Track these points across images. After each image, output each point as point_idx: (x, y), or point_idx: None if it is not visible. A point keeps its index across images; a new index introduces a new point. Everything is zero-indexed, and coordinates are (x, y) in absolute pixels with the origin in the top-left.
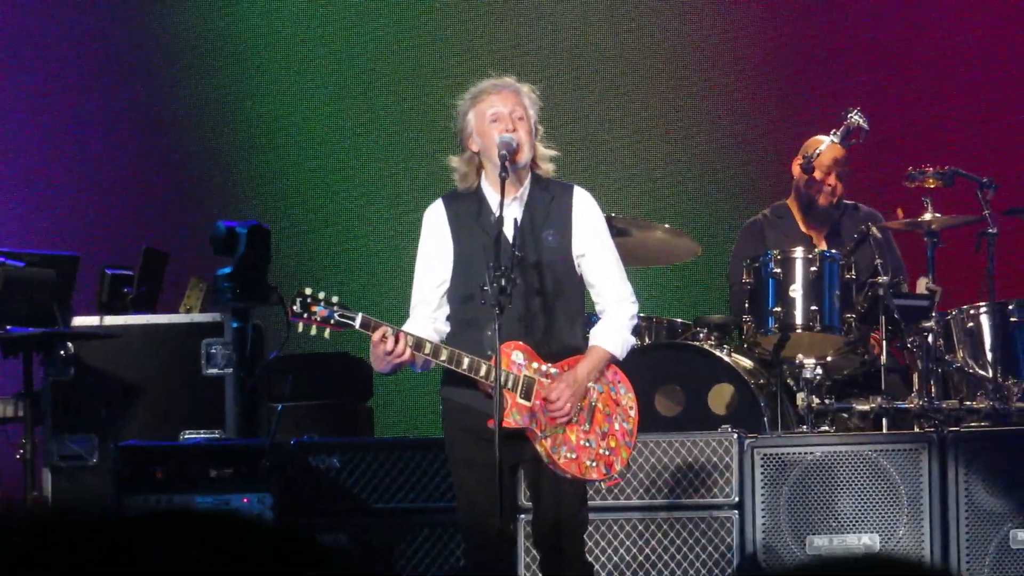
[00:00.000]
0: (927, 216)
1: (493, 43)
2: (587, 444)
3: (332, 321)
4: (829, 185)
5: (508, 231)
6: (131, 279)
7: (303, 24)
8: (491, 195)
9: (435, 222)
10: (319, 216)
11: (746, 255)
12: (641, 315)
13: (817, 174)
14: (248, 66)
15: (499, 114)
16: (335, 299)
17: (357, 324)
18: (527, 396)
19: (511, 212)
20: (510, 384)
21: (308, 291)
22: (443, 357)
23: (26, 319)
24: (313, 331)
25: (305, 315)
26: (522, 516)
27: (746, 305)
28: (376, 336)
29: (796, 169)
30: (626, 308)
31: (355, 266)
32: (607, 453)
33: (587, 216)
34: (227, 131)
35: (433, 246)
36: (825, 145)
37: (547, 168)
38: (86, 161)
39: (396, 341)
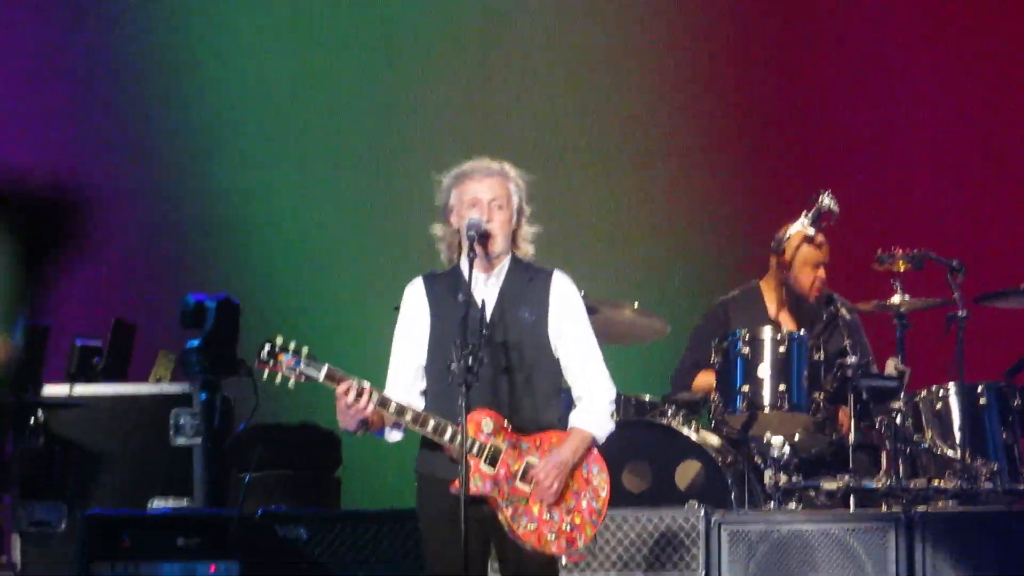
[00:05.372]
0: (896, 299)
1: (468, 124)
2: (549, 517)
3: (297, 371)
4: (820, 279)
5: (484, 310)
6: (100, 350)
7: (274, 86)
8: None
9: (415, 299)
10: (291, 288)
11: (704, 335)
12: None
13: (804, 269)
14: (223, 144)
15: (477, 200)
16: (305, 349)
17: (321, 376)
18: (492, 463)
19: (486, 292)
20: (475, 450)
21: (279, 340)
22: (408, 417)
23: None
24: (278, 379)
25: (271, 363)
26: None
27: (714, 385)
28: (340, 389)
29: (774, 258)
30: (605, 393)
31: (326, 340)
32: (569, 529)
33: (564, 299)
34: (197, 203)
35: (410, 323)
36: (795, 228)
37: (526, 249)
38: None
39: (359, 395)
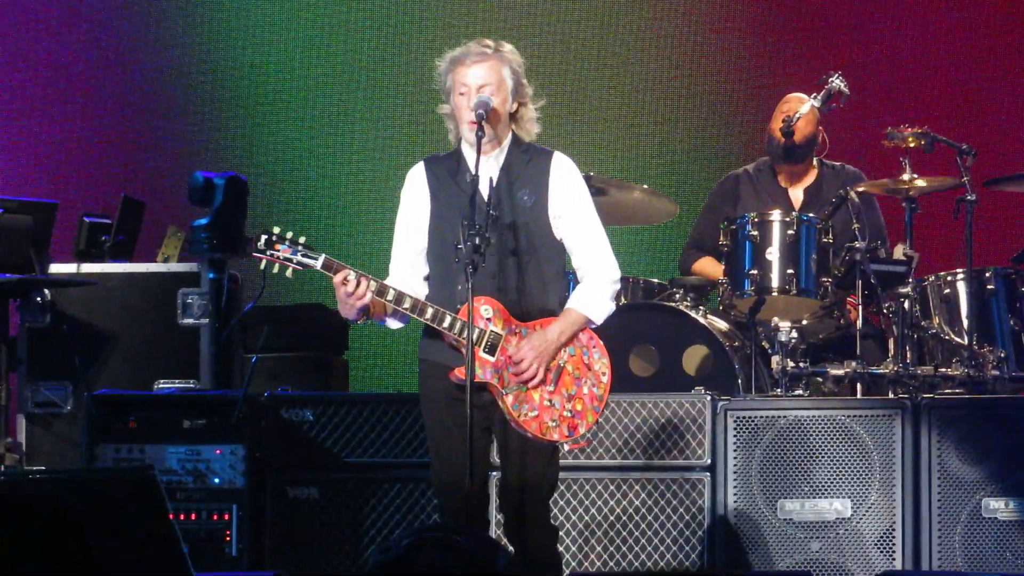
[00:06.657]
0: (905, 176)
1: (480, 3)
2: (550, 404)
3: (294, 260)
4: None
5: (484, 191)
6: (109, 227)
7: None
8: (469, 155)
9: (415, 183)
10: (298, 168)
11: (716, 206)
12: None
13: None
14: (228, 15)
15: (466, 88)
16: (301, 239)
17: (319, 265)
18: (491, 351)
19: (488, 171)
20: (475, 337)
21: (276, 230)
22: (406, 305)
23: (2, 265)
24: (275, 269)
25: (268, 252)
26: (494, 474)
27: (722, 267)
28: (337, 278)
29: (775, 129)
30: (606, 272)
31: (334, 220)
32: (571, 415)
33: (564, 180)
34: (206, 80)
35: (412, 207)
36: (806, 108)
37: (529, 129)
38: (65, 108)
39: (357, 284)
